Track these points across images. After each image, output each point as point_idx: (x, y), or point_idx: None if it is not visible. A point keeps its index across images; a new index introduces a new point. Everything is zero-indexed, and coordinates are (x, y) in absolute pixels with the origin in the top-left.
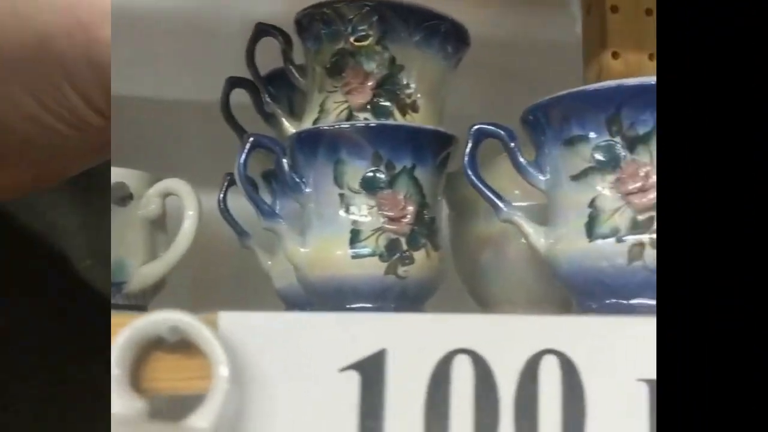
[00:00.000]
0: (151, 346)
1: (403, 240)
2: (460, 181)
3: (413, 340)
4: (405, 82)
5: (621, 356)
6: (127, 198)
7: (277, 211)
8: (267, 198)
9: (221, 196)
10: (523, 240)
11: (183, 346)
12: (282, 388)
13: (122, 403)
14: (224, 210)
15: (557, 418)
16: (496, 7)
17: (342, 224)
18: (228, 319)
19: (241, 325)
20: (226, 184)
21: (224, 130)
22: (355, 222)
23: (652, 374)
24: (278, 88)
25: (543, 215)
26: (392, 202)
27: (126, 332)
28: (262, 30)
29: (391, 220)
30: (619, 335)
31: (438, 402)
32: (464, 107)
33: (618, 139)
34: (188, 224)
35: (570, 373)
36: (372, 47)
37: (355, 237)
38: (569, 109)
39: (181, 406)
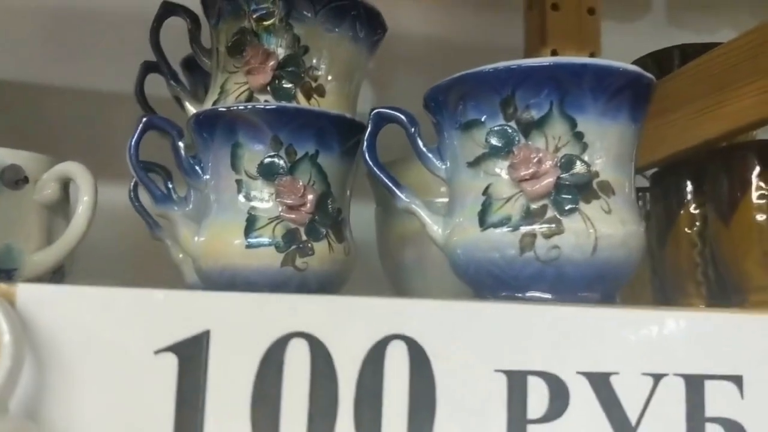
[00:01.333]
0: None
1: (301, 230)
2: (392, 194)
3: (242, 322)
4: (310, 65)
5: (478, 344)
6: (21, 182)
7: (191, 203)
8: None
9: (131, 185)
10: None
11: None
12: (88, 370)
13: None
14: (134, 199)
15: (404, 409)
16: (449, 7)
17: (238, 212)
18: (27, 291)
19: (42, 299)
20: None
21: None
22: (251, 210)
23: (514, 365)
24: (194, 72)
25: None
26: (292, 189)
27: None
28: (168, 10)
29: (290, 208)
30: (476, 320)
31: (268, 391)
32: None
33: (512, 123)
34: (83, 210)
35: (420, 360)
36: (275, 26)
37: (250, 226)
38: (465, 91)
39: None
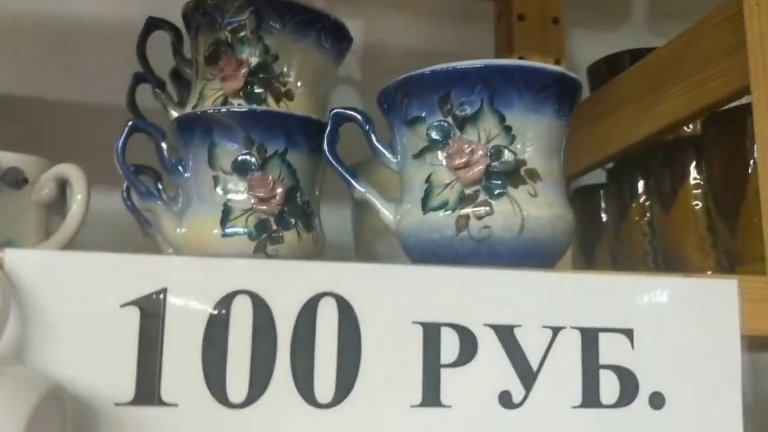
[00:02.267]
0: None
1: (272, 219)
2: (361, 173)
3: (194, 281)
4: (280, 72)
5: (397, 300)
6: (21, 182)
7: (179, 203)
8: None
9: (125, 186)
10: None
11: None
12: (64, 322)
13: None
14: (127, 199)
15: (333, 356)
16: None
17: (215, 205)
18: (12, 255)
19: (24, 262)
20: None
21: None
22: (227, 203)
23: (428, 318)
24: (181, 83)
25: None
26: (262, 183)
27: None
28: (152, 24)
29: (261, 200)
30: (396, 280)
31: (216, 339)
32: None
33: (449, 119)
34: (77, 207)
35: (347, 314)
36: (247, 37)
37: (225, 217)
38: (410, 91)
39: None
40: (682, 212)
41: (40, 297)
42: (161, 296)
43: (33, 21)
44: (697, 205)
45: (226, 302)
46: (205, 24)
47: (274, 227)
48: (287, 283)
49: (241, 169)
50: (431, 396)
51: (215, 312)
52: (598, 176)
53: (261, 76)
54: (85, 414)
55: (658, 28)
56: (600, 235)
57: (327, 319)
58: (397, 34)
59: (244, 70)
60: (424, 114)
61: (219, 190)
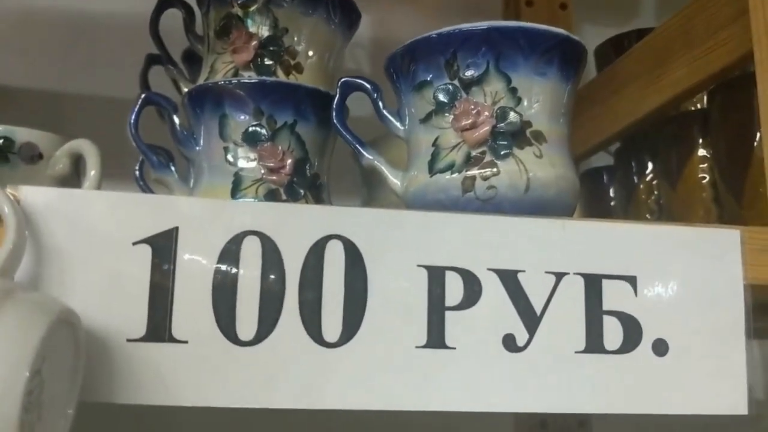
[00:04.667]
0: None
1: (281, 190)
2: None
3: (205, 221)
4: (289, 45)
5: (402, 244)
6: (36, 157)
7: (191, 182)
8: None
9: (137, 166)
10: None
11: None
12: (78, 258)
13: None
14: (140, 179)
15: (340, 297)
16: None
17: (226, 175)
18: (29, 192)
19: (40, 199)
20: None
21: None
22: (237, 173)
23: (433, 262)
24: (193, 63)
25: None
26: (272, 154)
27: None
28: (165, 2)
29: (271, 171)
30: (401, 224)
31: (226, 277)
32: None
33: (456, 81)
34: (90, 182)
35: (354, 256)
36: (257, 10)
37: (236, 187)
38: (416, 55)
39: None
40: (689, 186)
41: (55, 233)
42: (173, 235)
43: (48, 15)
44: (704, 178)
45: (236, 242)
46: None
47: (284, 197)
48: (295, 225)
49: (251, 140)
50: (436, 338)
51: (225, 251)
52: (604, 160)
53: (271, 48)
54: (97, 349)
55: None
56: (608, 217)
57: (334, 261)
58: (405, 27)
59: (254, 43)
60: (430, 77)
61: (229, 161)
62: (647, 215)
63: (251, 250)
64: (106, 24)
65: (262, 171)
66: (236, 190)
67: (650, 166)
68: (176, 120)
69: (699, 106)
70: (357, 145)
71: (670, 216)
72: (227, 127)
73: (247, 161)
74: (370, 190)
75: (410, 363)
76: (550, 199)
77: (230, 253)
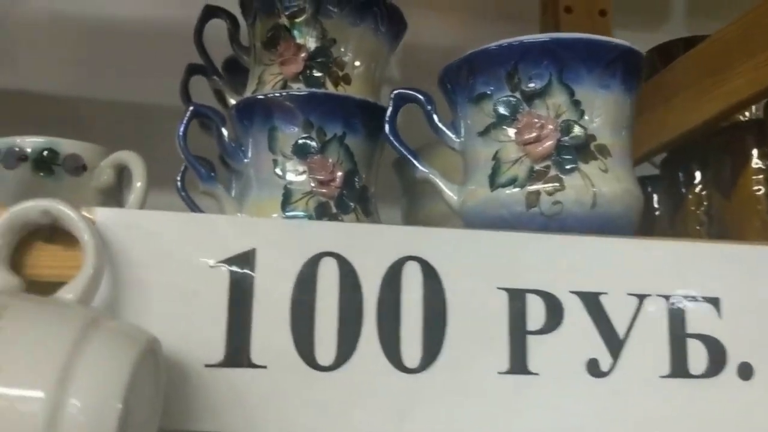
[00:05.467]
0: (32, 236)
1: (332, 203)
2: (409, 166)
3: (282, 242)
4: (337, 56)
5: (481, 265)
6: (80, 169)
7: (232, 191)
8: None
9: (179, 176)
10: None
11: (66, 237)
12: (155, 280)
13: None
14: (181, 189)
15: (419, 320)
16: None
17: (275, 188)
18: (104, 214)
19: (115, 221)
20: (184, 165)
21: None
22: (287, 186)
23: (514, 284)
24: (236, 73)
25: None
26: (322, 166)
27: (2, 218)
28: (209, 12)
29: (321, 183)
30: (480, 246)
31: (304, 299)
32: None
33: (517, 94)
34: (136, 194)
35: (432, 279)
36: (305, 21)
37: (286, 200)
38: (474, 68)
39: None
40: (743, 198)
41: (131, 256)
42: (251, 256)
43: (80, 22)
44: (759, 190)
45: (312, 264)
46: (264, 9)
47: (334, 210)
48: (372, 246)
49: (301, 152)
50: (519, 363)
51: (302, 273)
52: (648, 169)
53: (319, 60)
54: (176, 374)
55: (699, 29)
56: (653, 227)
57: (412, 283)
58: (436, 33)
59: (302, 54)
60: (490, 90)
61: (279, 174)
62: (697, 226)
63: (328, 272)
64: (130, 31)
65: (312, 184)
66: (286, 204)
67: (698, 176)
68: (224, 132)
69: (748, 115)
70: (411, 158)
71: (723, 227)
72: (276, 140)
73: (296, 174)
74: (410, 202)
75: (493, 389)
76: (616, 215)
77: (307, 275)
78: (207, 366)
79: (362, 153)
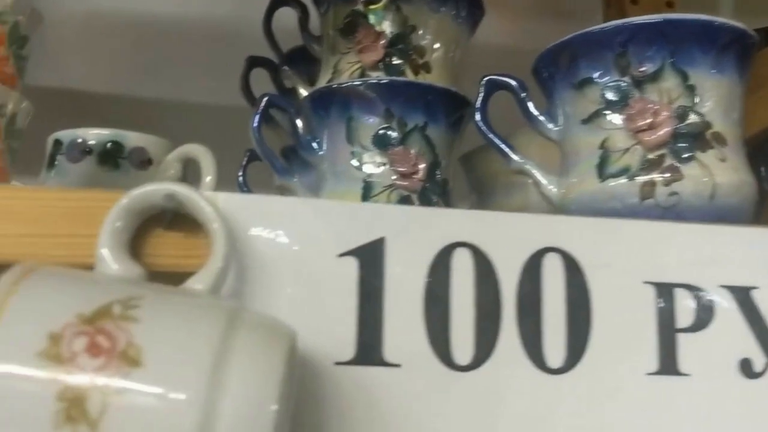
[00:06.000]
0: (153, 223)
1: (414, 197)
2: (479, 160)
3: (412, 230)
4: (418, 43)
5: (626, 258)
6: (146, 163)
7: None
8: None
9: (241, 171)
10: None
11: (186, 224)
12: (281, 271)
13: (122, 268)
14: (243, 184)
15: (562, 316)
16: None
17: (353, 181)
18: (227, 199)
19: (241, 205)
20: (245, 159)
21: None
22: (367, 178)
23: (659, 277)
24: (296, 66)
25: None
26: (404, 158)
27: (123, 201)
28: (279, 0)
29: (403, 176)
30: (624, 236)
31: (439, 291)
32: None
33: (627, 78)
34: (206, 188)
35: (574, 271)
36: (384, 8)
37: (366, 193)
38: (577, 51)
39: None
40: None
41: (255, 245)
42: (380, 246)
43: (118, 20)
44: None
45: (445, 254)
46: None
47: (417, 204)
48: (508, 236)
49: (381, 143)
50: (668, 363)
51: (435, 264)
52: None
53: (399, 47)
54: (305, 372)
55: (746, 19)
56: None
57: (553, 277)
58: (492, 32)
59: (382, 42)
60: (596, 75)
61: (357, 166)
62: None
63: (462, 263)
64: (168, 27)
65: (393, 176)
66: (366, 197)
67: None
68: (299, 124)
69: None
70: (507, 150)
71: None
72: (355, 131)
73: (376, 166)
74: (480, 197)
75: (642, 391)
76: (733, 206)
77: (441, 266)
78: (337, 364)
79: (443, 144)
